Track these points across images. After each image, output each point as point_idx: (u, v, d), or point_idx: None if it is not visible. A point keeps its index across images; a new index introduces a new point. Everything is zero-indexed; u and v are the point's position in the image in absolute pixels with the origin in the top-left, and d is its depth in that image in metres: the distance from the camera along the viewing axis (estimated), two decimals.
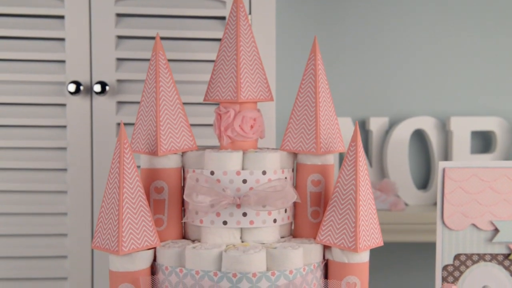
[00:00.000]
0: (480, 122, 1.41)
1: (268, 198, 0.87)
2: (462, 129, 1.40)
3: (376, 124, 1.43)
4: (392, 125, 1.44)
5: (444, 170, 1.00)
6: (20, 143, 1.15)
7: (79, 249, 1.16)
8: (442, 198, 1.00)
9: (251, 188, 0.89)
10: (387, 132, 1.44)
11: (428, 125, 1.42)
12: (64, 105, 1.15)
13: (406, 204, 1.42)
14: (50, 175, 1.16)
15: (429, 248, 1.39)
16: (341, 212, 0.90)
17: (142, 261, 0.88)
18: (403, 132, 1.42)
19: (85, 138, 1.15)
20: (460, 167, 1.00)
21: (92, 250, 1.16)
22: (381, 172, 1.43)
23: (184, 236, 0.97)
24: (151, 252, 0.89)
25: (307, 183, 0.95)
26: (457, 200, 1.00)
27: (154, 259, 0.91)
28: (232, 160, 0.91)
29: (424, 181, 1.47)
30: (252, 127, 0.96)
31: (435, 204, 1.43)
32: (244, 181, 0.90)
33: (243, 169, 0.91)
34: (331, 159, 0.97)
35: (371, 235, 0.90)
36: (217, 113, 0.96)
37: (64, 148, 1.16)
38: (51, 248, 1.16)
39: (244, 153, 0.92)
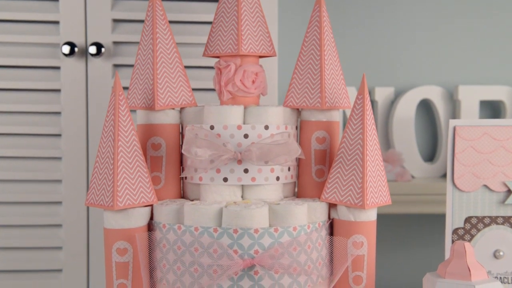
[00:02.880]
0: (489, 91, 1.37)
1: (271, 152, 0.83)
2: (471, 98, 1.36)
3: (382, 94, 1.38)
4: (398, 95, 1.39)
5: (454, 128, 0.96)
6: (12, 107, 1.10)
7: (74, 217, 1.11)
8: (453, 158, 0.96)
9: (252, 143, 0.85)
10: (393, 102, 1.39)
11: (435, 94, 1.38)
12: (58, 67, 1.11)
13: (413, 177, 1.37)
14: (44, 140, 1.11)
15: (437, 219, 1.34)
16: (347, 168, 0.86)
17: (138, 218, 0.84)
18: (409, 102, 1.37)
19: (80, 102, 1.11)
20: (471, 125, 0.95)
21: (88, 218, 1.12)
22: (387, 144, 1.39)
23: (182, 196, 0.92)
24: (147, 209, 0.85)
25: (311, 140, 0.91)
26: (468, 160, 0.95)
27: (151, 218, 0.86)
28: (232, 114, 0.86)
29: (431, 153, 1.42)
30: (253, 82, 0.91)
31: (442, 176, 1.38)
32: (246, 136, 0.86)
33: (244, 123, 0.87)
34: (337, 116, 0.92)
35: (378, 192, 0.86)
36: (217, 67, 0.92)
37: (58, 113, 1.12)
38: (46, 217, 1.11)
39: (245, 108, 0.88)
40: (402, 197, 1.27)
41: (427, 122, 1.42)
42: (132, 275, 0.83)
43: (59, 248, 1.12)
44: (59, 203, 1.12)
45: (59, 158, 1.12)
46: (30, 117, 1.11)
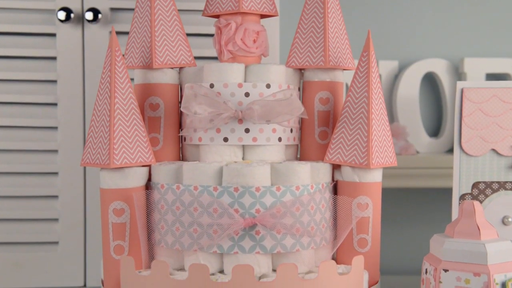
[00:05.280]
0: (495, 64, 1.33)
1: (273, 110, 0.80)
2: (477, 71, 1.33)
3: (385, 68, 1.35)
4: (402, 68, 1.36)
5: (462, 90, 0.93)
6: (6, 75, 1.07)
7: (71, 190, 1.08)
8: (460, 122, 0.93)
9: (254, 101, 0.82)
10: (397, 76, 1.36)
11: (440, 67, 1.35)
12: (53, 34, 1.08)
13: (418, 152, 1.34)
14: (39, 109, 1.09)
15: (442, 193, 1.32)
16: (351, 127, 0.83)
17: (136, 178, 0.81)
18: (413, 76, 1.34)
19: (77, 70, 1.08)
20: (480, 87, 0.92)
21: (85, 189, 1.09)
22: (391, 118, 1.36)
23: (181, 159, 0.90)
24: (145, 169, 0.82)
25: (314, 101, 0.88)
26: (476, 124, 0.93)
27: (149, 179, 0.83)
28: (233, 72, 0.84)
29: (436, 127, 1.39)
30: (255, 41, 0.88)
31: (447, 151, 1.35)
32: (247, 95, 0.83)
33: (245, 82, 0.84)
34: (341, 76, 0.89)
35: (384, 152, 0.83)
36: (217, 26, 0.89)
37: (54, 81, 1.09)
38: (42, 188, 1.09)
39: (246, 66, 0.85)
40: (406, 171, 1.24)
41: (432, 96, 1.39)
42: (129, 237, 0.80)
43: (55, 220, 1.09)
44: (55, 173, 1.09)
45: (55, 128, 1.09)
46: (24, 85, 1.08)
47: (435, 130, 1.39)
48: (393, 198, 1.40)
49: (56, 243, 1.09)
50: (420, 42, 1.38)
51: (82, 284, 1.09)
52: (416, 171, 1.25)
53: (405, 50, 1.38)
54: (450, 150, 1.35)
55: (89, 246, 1.09)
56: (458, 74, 1.35)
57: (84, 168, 1.08)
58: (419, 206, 1.42)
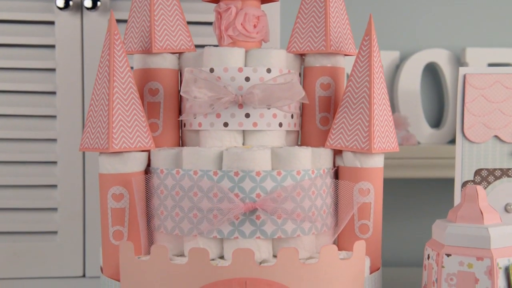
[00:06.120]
0: (497, 54, 1.33)
1: (274, 94, 0.79)
2: (478, 61, 1.32)
3: (386, 59, 1.35)
4: (403, 59, 1.35)
5: (464, 76, 0.92)
6: (4, 63, 1.06)
7: (70, 179, 1.07)
8: (462, 108, 0.92)
9: (254, 85, 0.81)
10: (398, 66, 1.35)
11: (441, 58, 1.34)
12: (52, 22, 1.07)
13: (419, 143, 1.34)
14: (38, 98, 1.08)
15: (444, 183, 1.31)
16: (353, 112, 0.82)
17: (135, 163, 0.80)
18: (414, 66, 1.33)
19: (75, 58, 1.07)
20: (483, 73, 0.91)
21: (84, 178, 1.08)
22: (392, 109, 1.35)
23: (181, 145, 0.89)
24: (144, 154, 0.81)
25: (315, 87, 0.87)
26: (478, 110, 0.92)
27: (148, 165, 0.83)
28: (234, 56, 0.83)
29: (437, 118, 1.39)
30: (255, 26, 0.87)
31: (449, 142, 1.34)
32: (247, 79, 0.82)
33: (245, 66, 0.83)
34: (342, 62, 0.89)
35: (386, 137, 0.82)
36: (216, 11, 0.88)
37: (52, 69, 1.08)
38: (41, 177, 1.08)
39: (247, 51, 0.85)
40: (407, 161, 1.24)
41: (434, 87, 1.38)
42: (128, 222, 0.79)
43: (54, 209, 1.08)
44: (54, 163, 1.08)
45: (54, 117, 1.08)
46: (23, 74, 1.07)
47: (436, 121, 1.39)
48: (394, 188, 1.39)
49: (55, 232, 1.08)
50: (421, 32, 1.38)
51: (81, 274, 1.09)
52: (418, 162, 1.24)
53: (406, 41, 1.37)
54: (452, 141, 1.34)
55: (88, 236, 1.08)
56: (459, 64, 1.34)
57: (84, 157, 1.08)
58: (420, 196, 1.41)
